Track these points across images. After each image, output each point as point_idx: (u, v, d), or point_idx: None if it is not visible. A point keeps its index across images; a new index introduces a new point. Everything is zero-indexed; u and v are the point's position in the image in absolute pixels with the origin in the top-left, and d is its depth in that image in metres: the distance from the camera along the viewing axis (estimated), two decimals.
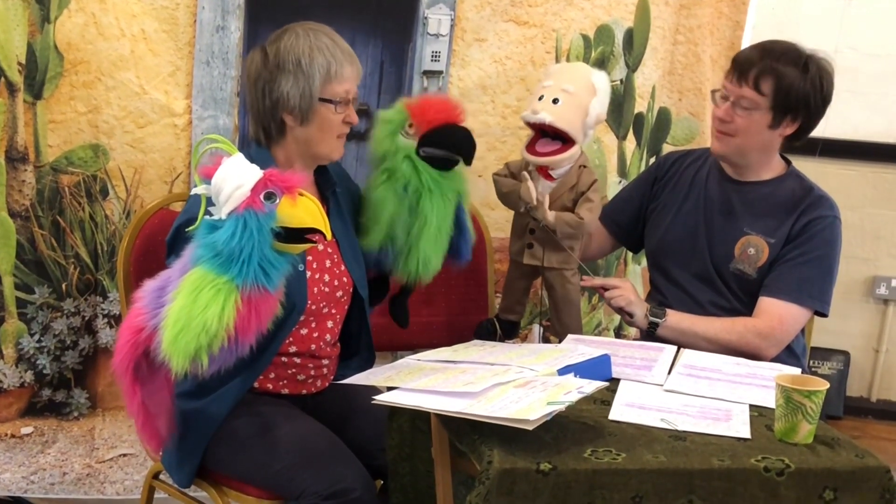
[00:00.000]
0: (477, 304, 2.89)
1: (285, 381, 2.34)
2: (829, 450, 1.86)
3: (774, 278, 2.53)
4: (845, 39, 4.35)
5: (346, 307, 2.40)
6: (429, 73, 2.98)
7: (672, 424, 1.92)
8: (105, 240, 2.76)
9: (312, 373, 2.36)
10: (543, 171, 2.52)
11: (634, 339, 2.74)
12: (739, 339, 2.48)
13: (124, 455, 2.91)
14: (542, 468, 1.70)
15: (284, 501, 2.19)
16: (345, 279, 2.35)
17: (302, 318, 2.27)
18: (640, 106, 3.30)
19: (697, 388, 2.13)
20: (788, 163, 2.66)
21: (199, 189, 1.92)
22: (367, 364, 2.43)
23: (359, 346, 2.47)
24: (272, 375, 2.32)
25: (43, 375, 2.79)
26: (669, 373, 2.22)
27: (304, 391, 2.37)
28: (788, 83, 2.46)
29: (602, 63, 3.17)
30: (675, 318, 2.52)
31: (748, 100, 2.48)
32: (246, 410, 2.25)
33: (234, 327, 1.87)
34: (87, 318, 2.80)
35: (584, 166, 2.55)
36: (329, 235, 1.92)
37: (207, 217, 1.89)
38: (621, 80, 3.24)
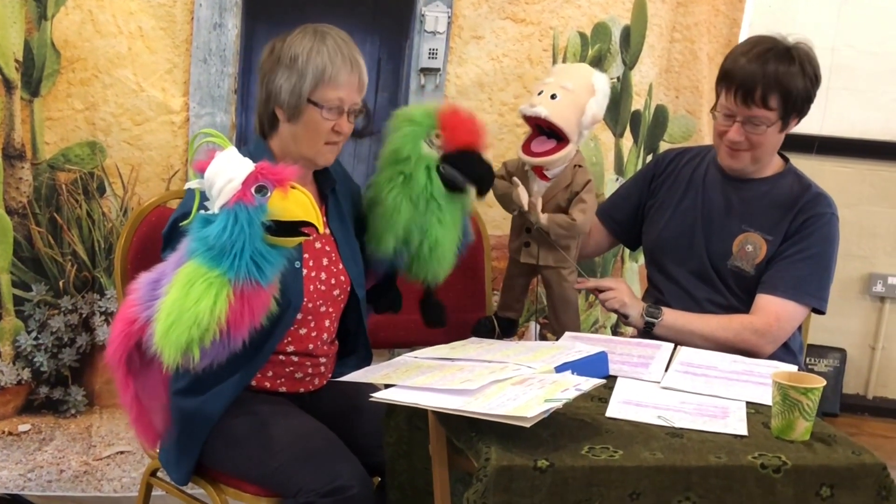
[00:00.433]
0: (474, 302, 2.89)
1: (283, 380, 2.34)
2: (826, 447, 1.86)
3: (772, 275, 2.53)
4: (842, 37, 4.36)
5: (343, 305, 2.40)
6: (426, 71, 2.98)
7: (669, 421, 1.92)
8: (102, 237, 2.76)
9: (310, 371, 2.36)
10: (538, 171, 2.52)
11: (632, 337, 2.74)
12: (736, 336, 2.48)
13: (121, 452, 2.91)
14: (540, 465, 1.70)
15: (282, 499, 2.18)
16: (342, 278, 2.35)
17: (300, 316, 2.27)
18: (637, 103, 3.30)
19: (694, 386, 2.13)
20: (786, 160, 2.66)
21: (193, 183, 1.93)
22: (365, 362, 2.43)
23: (356, 345, 2.46)
24: (270, 374, 2.32)
25: (40, 373, 2.79)
26: (666, 370, 2.22)
27: (302, 389, 2.37)
28: (792, 88, 2.45)
29: (599, 61, 3.17)
30: (671, 317, 2.52)
31: (759, 118, 2.48)
32: (243, 408, 2.25)
33: (226, 321, 1.87)
34: (84, 316, 2.80)
35: (580, 166, 2.55)
36: (321, 228, 1.92)
37: (202, 212, 1.90)
38: (618, 78, 3.24)
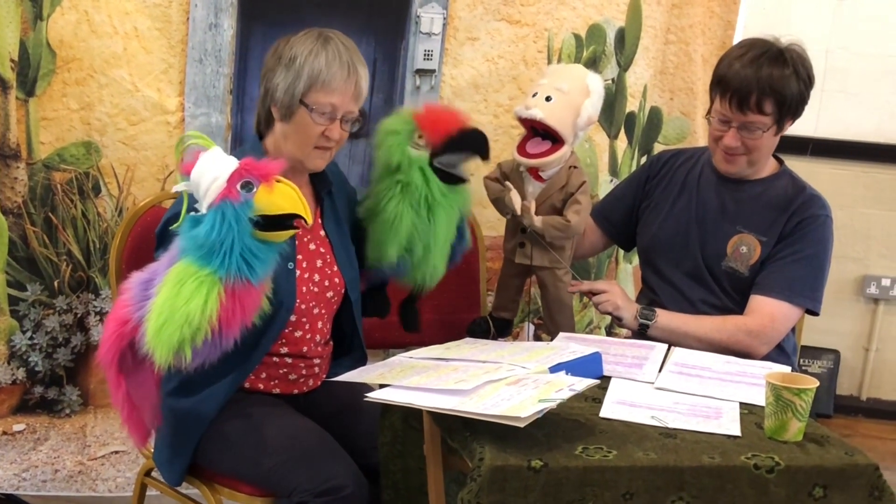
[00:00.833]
0: (469, 302, 2.89)
1: (277, 381, 2.34)
2: (819, 447, 1.87)
3: (766, 277, 2.54)
4: (836, 39, 4.37)
5: (336, 307, 2.40)
6: (421, 72, 2.98)
7: (662, 422, 1.93)
8: (97, 237, 2.76)
9: (304, 372, 2.36)
10: (534, 172, 2.53)
11: (626, 338, 2.74)
12: (730, 337, 2.49)
13: (116, 452, 2.91)
14: (534, 465, 1.71)
15: (276, 499, 2.19)
16: (336, 280, 2.35)
17: (293, 318, 2.27)
18: (631, 105, 3.31)
19: (688, 386, 2.14)
20: (781, 162, 2.67)
21: (180, 186, 1.93)
22: (360, 363, 2.43)
23: (351, 346, 2.46)
24: (263, 375, 2.32)
25: (35, 373, 2.79)
26: (660, 371, 2.23)
27: (296, 391, 2.37)
28: (787, 92, 2.46)
29: (594, 62, 3.18)
30: (665, 319, 2.53)
31: (754, 123, 2.48)
32: (237, 409, 2.25)
33: (217, 320, 1.87)
34: (79, 316, 2.80)
35: (575, 167, 2.56)
36: (310, 220, 1.92)
37: (192, 213, 1.90)
38: (613, 80, 3.25)
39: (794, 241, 2.54)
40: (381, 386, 1.97)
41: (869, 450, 1.92)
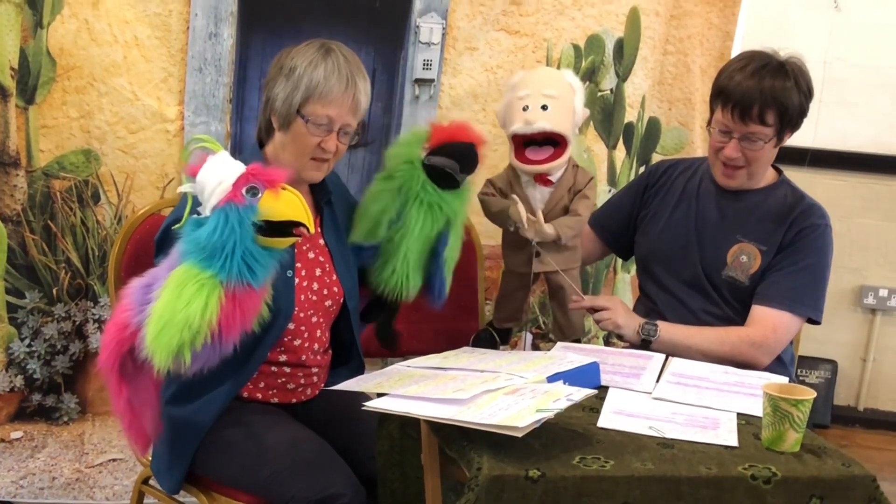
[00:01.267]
0: (467, 312, 2.89)
1: (275, 391, 2.34)
2: (816, 458, 1.87)
3: (767, 287, 2.55)
4: (834, 50, 4.38)
5: (335, 317, 2.40)
6: (420, 82, 2.99)
7: (660, 432, 1.93)
8: (96, 245, 2.77)
9: (302, 381, 2.36)
10: (542, 178, 2.51)
11: (623, 348, 2.74)
12: (733, 349, 2.49)
13: (114, 460, 2.91)
14: (531, 475, 1.71)
15: None
16: (335, 289, 2.35)
17: (292, 326, 2.27)
18: (629, 115, 3.31)
19: (685, 397, 2.14)
20: (779, 171, 2.68)
21: (186, 187, 1.94)
22: (358, 372, 2.43)
23: (349, 356, 2.46)
24: (262, 385, 2.32)
25: (33, 380, 2.79)
26: (658, 381, 2.23)
27: (294, 400, 2.37)
28: (788, 104, 2.47)
29: (592, 72, 3.19)
30: (668, 333, 2.52)
31: (756, 134, 2.49)
32: (235, 417, 2.25)
33: (217, 323, 1.87)
34: (77, 323, 2.80)
35: (576, 165, 2.56)
36: (312, 228, 1.93)
37: (194, 216, 1.91)
38: (611, 90, 3.26)
39: (795, 251, 2.55)
40: (379, 395, 1.97)
41: (866, 460, 1.92)
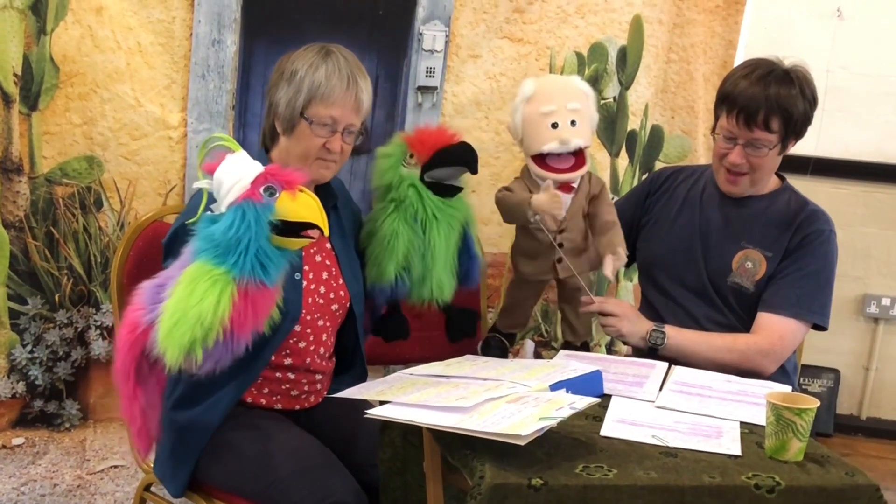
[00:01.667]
0: None
1: (279, 397, 2.34)
2: (820, 467, 1.86)
3: (773, 294, 2.55)
4: (837, 59, 4.38)
5: (340, 321, 2.40)
6: (423, 89, 2.99)
7: (663, 441, 1.92)
8: (99, 251, 2.77)
9: (306, 388, 2.36)
10: (565, 186, 2.47)
11: (626, 356, 2.74)
12: (741, 357, 2.49)
13: (115, 467, 2.91)
14: (534, 483, 1.71)
15: None
16: (342, 293, 2.36)
17: (298, 329, 2.28)
18: (633, 123, 3.32)
19: (688, 405, 2.13)
20: (782, 178, 2.68)
21: (202, 183, 1.95)
22: (360, 379, 2.43)
23: (353, 362, 2.47)
24: (266, 390, 2.32)
25: (35, 386, 2.78)
26: (661, 389, 2.23)
27: (297, 406, 2.37)
28: (793, 111, 2.47)
29: (595, 80, 3.18)
30: (675, 341, 2.52)
31: (760, 141, 2.50)
32: (238, 423, 2.25)
33: (229, 321, 1.88)
34: (79, 330, 2.80)
35: (588, 171, 2.56)
36: (326, 231, 1.95)
37: (208, 213, 1.92)
38: (615, 98, 3.26)
39: (800, 257, 2.55)
40: (382, 402, 1.96)
41: (868, 469, 1.92)
